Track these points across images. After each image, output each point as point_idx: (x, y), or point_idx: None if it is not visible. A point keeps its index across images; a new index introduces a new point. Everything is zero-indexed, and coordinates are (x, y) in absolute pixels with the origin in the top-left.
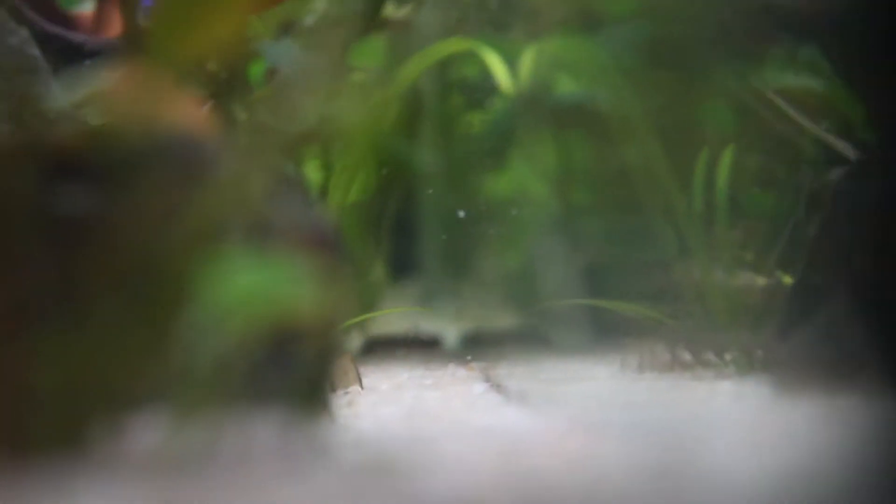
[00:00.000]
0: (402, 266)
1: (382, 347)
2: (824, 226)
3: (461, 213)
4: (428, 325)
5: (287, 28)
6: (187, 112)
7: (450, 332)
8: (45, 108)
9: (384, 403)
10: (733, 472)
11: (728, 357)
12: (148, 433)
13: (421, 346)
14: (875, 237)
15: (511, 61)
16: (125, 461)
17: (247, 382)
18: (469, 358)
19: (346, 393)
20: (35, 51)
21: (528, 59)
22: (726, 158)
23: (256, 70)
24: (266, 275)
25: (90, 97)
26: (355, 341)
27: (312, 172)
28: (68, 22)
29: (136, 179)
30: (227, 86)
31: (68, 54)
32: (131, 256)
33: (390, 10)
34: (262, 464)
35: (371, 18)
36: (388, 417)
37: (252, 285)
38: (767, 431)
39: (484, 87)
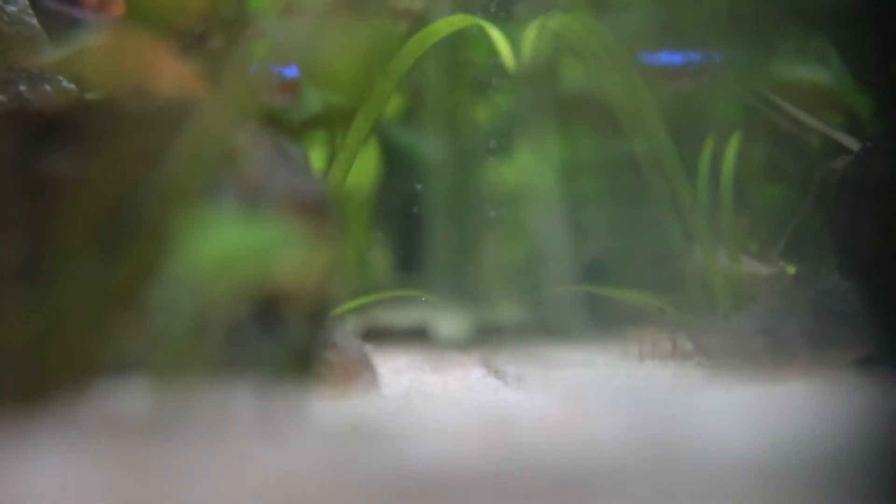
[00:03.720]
0: (408, 253)
1: (382, 333)
2: (828, 213)
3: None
4: (431, 311)
5: (291, 9)
6: (170, 71)
7: (452, 318)
8: (35, 74)
9: (381, 384)
10: (721, 447)
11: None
12: (120, 395)
13: (422, 333)
14: (879, 223)
15: (515, 42)
16: (94, 422)
17: (229, 346)
18: (469, 344)
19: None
20: (33, 20)
21: (531, 35)
22: (732, 148)
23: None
24: (252, 235)
25: (74, 55)
26: (357, 327)
27: (316, 154)
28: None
29: (116, 139)
30: (212, 48)
31: (70, 30)
32: (107, 215)
33: (406, 2)
34: (241, 429)
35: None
36: (382, 395)
37: (236, 244)
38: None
39: (489, 71)
